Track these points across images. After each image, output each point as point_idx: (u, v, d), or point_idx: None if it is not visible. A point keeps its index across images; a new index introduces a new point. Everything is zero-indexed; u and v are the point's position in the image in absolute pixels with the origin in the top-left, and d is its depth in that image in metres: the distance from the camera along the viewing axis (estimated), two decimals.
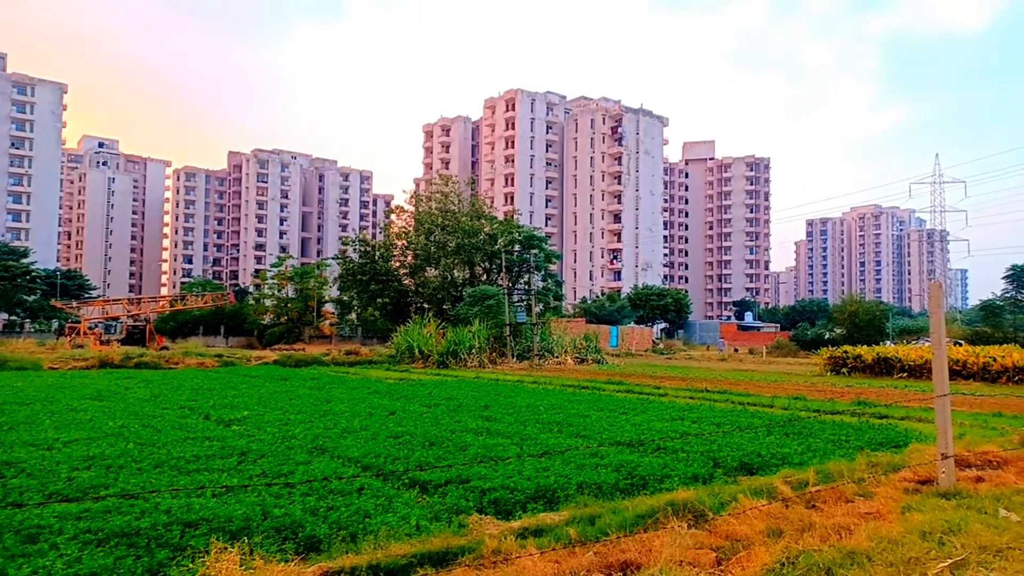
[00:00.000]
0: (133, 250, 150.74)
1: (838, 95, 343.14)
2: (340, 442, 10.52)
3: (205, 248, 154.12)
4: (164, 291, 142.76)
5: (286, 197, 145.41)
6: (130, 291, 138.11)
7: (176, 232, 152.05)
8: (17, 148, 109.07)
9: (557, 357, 38.56)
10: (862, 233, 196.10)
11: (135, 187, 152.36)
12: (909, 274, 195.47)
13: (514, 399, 17.32)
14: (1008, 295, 61.33)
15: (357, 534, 5.99)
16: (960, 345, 36.15)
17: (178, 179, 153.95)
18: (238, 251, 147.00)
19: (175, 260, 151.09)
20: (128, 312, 56.56)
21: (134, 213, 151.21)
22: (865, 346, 34.10)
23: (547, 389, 21.23)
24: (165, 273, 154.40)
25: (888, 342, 52.63)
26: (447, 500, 7.17)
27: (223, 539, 5.53)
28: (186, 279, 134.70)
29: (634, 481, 7.99)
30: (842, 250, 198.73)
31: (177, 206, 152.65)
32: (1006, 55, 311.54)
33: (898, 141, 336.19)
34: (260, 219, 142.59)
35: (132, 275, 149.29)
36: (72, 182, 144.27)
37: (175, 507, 6.49)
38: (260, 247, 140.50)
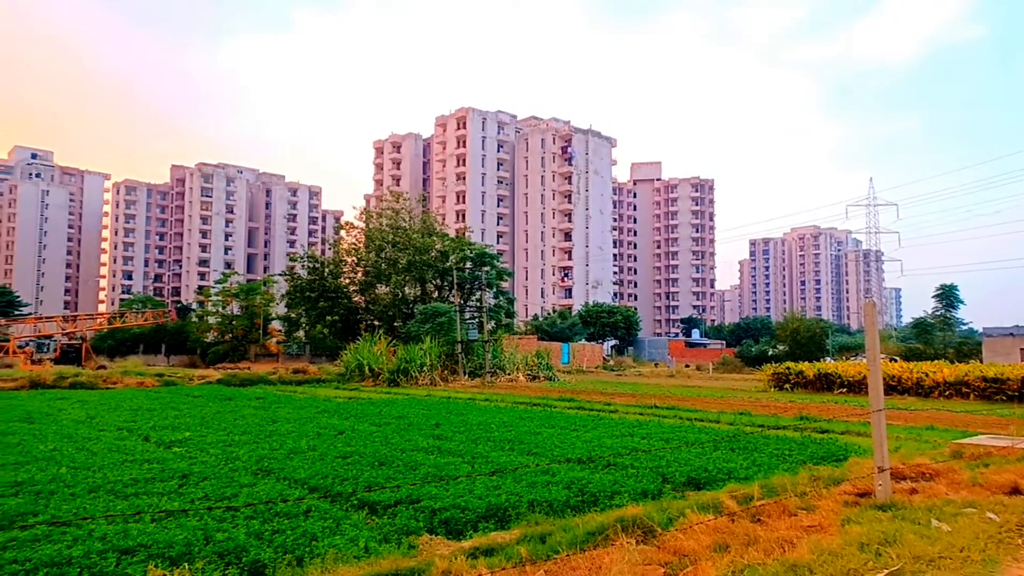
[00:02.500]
0: (69, 266, 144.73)
1: (780, 119, 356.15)
2: (286, 463, 10.28)
3: (146, 264, 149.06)
4: (102, 308, 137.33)
5: (232, 212, 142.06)
6: (65, 308, 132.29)
7: (115, 247, 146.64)
8: None
9: (509, 374, 38.56)
10: (802, 253, 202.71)
11: (71, 200, 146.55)
12: (847, 292, 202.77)
13: (466, 417, 17.24)
14: (938, 313, 64.20)
15: (303, 558, 5.86)
16: (895, 361, 37.63)
17: (118, 193, 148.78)
18: (181, 267, 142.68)
19: (114, 276, 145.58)
20: (63, 330, 54.24)
21: (70, 227, 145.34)
22: (807, 362, 35.15)
23: (499, 407, 21.19)
24: (103, 290, 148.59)
25: (828, 358, 54.40)
26: (397, 521, 7.08)
27: (162, 566, 5.34)
28: (126, 296, 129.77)
29: (585, 498, 8.04)
30: (784, 269, 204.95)
31: (117, 220, 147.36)
32: (933, 84, 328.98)
33: (835, 165, 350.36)
34: (204, 234, 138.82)
35: (68, 292, 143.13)
36: (1, 194, 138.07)
37: (111, 533, 6.24)
38: (204, 263, 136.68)
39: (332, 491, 8.42)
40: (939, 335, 59.81)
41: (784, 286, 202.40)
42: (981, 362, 36.17)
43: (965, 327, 75.46)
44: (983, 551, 5.35)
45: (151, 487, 8.53)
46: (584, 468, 9.84)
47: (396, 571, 5.29)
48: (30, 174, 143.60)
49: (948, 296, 63.96)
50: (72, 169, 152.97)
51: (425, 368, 35.59)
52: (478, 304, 49.98)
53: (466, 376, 37.49)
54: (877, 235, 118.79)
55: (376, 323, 54.34)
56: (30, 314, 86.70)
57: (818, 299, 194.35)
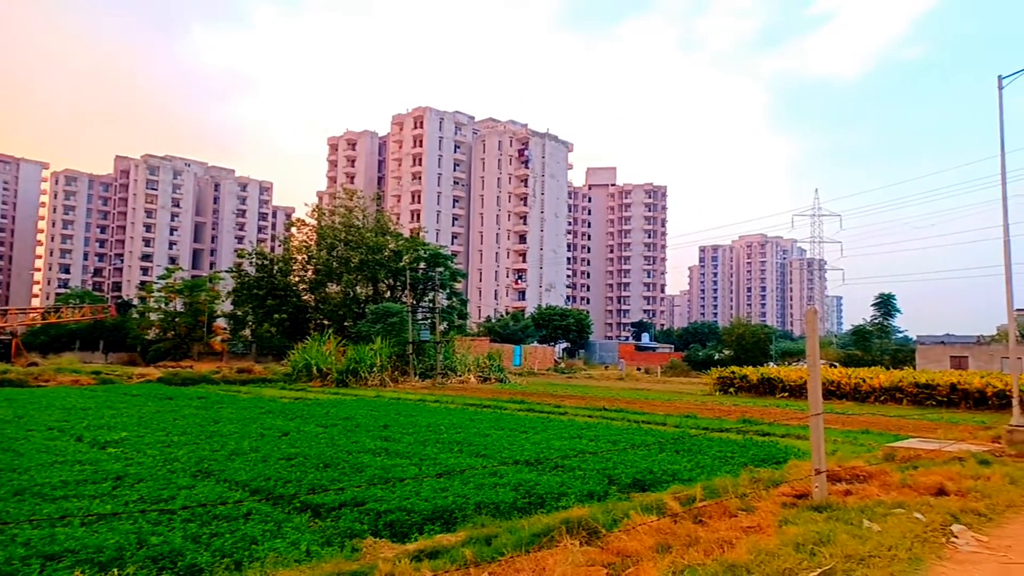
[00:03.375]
0: (1, 257, 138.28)
1: (732, 128, 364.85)
2: (227, 465, 10.03)
3: (85, 257, 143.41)
4: (36, 302, 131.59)
5: (178, 206, 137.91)
6: None
7: (52, 239, 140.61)
8: None
9: (460, 376, 38.45)
10: (749, 260, 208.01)
11: (5, 189, 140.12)
12: (791, 299, 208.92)
13: (415, 418, 17.11)
14: (877, 321, 66.62)
15: (242, 561, 5.72)
16: (835, 367, 38.89)
17: (56, 183, 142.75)
18: (122, 261, 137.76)
19: (50, 269, 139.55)
20: None
21: (3, 217, 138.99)
22: (751, 367, 36.04)
23: (449, 408, 21.11)
24: (38, 283, 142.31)
25: (772, 363, 55.90)
26: (340, 524, 6.97)
27: (90, 572, 5.14)
28: (62, 290, 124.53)
29: (532, 500, 8.07)
30: (731, 276, 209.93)
31: (55, 211, 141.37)
32: (878, 101, 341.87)
33: (784, 174, 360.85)
34: (148, 228, 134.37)
35: None
36: None
37: (36, 538, 5.97)
38: (147, 258, 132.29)
39: (274, 493, 8.24)
40: (876, 342, 62.08)
41: (731, 292, 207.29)
42: (914, 369, 37.73)
43: (901, 335, 78.56)
44: (909, 550, 5.57)
45: (82, 489, 8.21)
46: (532, 470, 9.87)
47: (338, 574, 5.21)
48: None
49: (886, 305, 66.47)
50: (7, 156, 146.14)
51: (375, 369, 35.21)
52: (431, 305, 49.73)
53: (417, 377, 37.23)
54: (821, 244, 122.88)
55: (326, 322, 53.48)
56: None
57: (763, 305, 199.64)
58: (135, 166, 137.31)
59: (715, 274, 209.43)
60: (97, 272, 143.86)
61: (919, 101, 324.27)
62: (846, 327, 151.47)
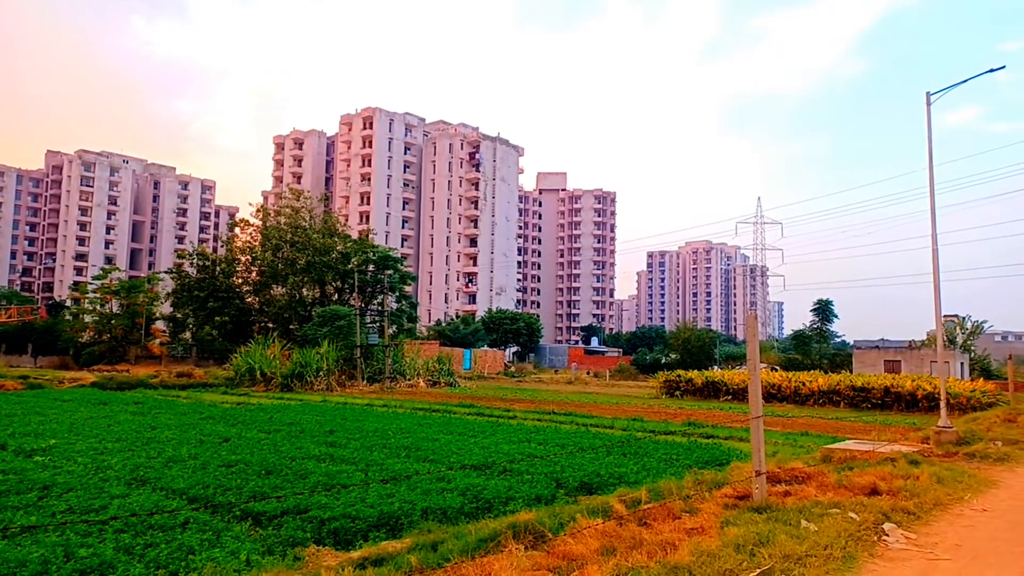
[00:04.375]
0: None
1: (679, 137, 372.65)
2: (164, 472, 9.69)
3: (13, 256, 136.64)
4: None
5: (115, 204, 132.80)
6: None
7: None
8: None
9: (409, 380, 38.10)
10: (695, 266, 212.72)
11: None
12: (735, 305, 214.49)
13: (362, 424, 16.86)
14: (815, 326, 68.89)
15: (178, 573, 5.54)
16: (776, 371, 40.03)
17: None
18: (54, 261, 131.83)
19: None
20: None
21: None
22: (696, 371, 36.79)
23: (397, 413, 20.89)
24: None
25: (716, 367, 57.19)
26: (283, 532, 6.81)
27: None
28: None
29: (479, 504, 8.04)
30: (678, 281, 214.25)
31: None
32: (819, 116, 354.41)
33: (728, 183, 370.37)
34: (83, 227, 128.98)
35: None
36: None
37: None
38: (82, 257, 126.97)
39: (214, 501, 8.00)
40: (816, 347, 64.18)
41: (678, 297, 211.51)
42: (851, 372, 39.15)
43: (839, 339, 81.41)
44: (844, 548, 5.76)
45: (4, 500, 7.80)
46: (480, 474, 9.84)
47: None
48: None
49: (824, 310, 68.82)
50: None
51: (322, 373, 34.58)
52: (380, 308, 49.17)
53: (365, 381, 36.73)
54: (763, 251, 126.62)
55: (271, 325, 52.27)
56: None
57: (708, 310, 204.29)
58: (68, 162, 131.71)
59: (663, 279, 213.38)
60: (26, 272, 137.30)
61: (860, 113, 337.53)
62: (787, 332, 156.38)
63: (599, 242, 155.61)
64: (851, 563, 5.46)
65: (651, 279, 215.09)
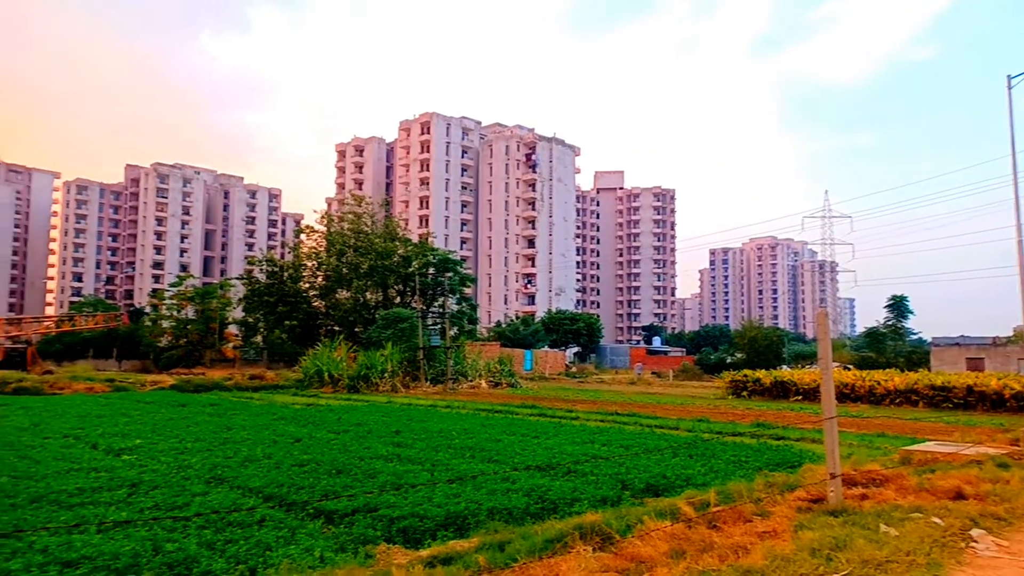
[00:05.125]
0: (15, 267, 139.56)
1: (739, 132, 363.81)
2: (241, 471, 10.06)
3: (98, 266, 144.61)
4: (50, 311, 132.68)
5: (188, 214, 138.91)
6: (10, 311, 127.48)
7: (65, 248, 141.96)
8: None
9: (471, 381, 38.42)
10: (760, 263, 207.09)
11: (18, 199, 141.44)
12: (803, 302, 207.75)
13: (426, 424, 17.11)
14: (890, 323, 66.04)
15: (257, 568, 5.74)
16: (848, 370, 38.59)
17: (68, 192, 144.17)
18: (134, 269, 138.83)
19: (63, 278, 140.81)
20: (7, 333, 52.26)
21: (16, 227, 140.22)
22: (763, 370, 35.81)
23: (460, 413, 21.10)
24: (52, 292, 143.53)
25: (784, 366, 55.55)
26: (354, 530, 6.98)
27: None
28: (76, 298, 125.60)
29: (545, 505, 8.04)
30: (742, 278, 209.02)
31: (67, 220, 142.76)
32: (888, 101, 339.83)
33: (793, 177, 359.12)
34: (159, 236, 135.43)
35: (13, 293, 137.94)
36: None
37: (53, 546, 6.01)
38: (159, 266, 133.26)
39: (287, 500, 8.26)
40: (890, 344, 61.54)
41: (743, 295, 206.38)
42: (929, 371, 37.37)
43: (915, 337, 77.85)
44: (928, 555, 5.51)
45: (98, 496, 8.26)
46: (544, 475, 9.84)
47: None
48: None
49: (899, 306, 65.91)
50: (19, 167, 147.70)
51: (386, 374, 35.25)
52: (440, 310, 49.81)
53: (428, 383, 37.25)
54: (832, 246, 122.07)
55: (336, 328, 53.66)
56: None
57: (775, 308, 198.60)
58: (145, 174, 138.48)
59: (726, 277, 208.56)
60: (109, 280, 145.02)
61: (931, 101, 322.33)
62: (859, 329, 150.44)
63: (659, 240, 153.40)
64: (936, 570, 5.22)
65: (714, 277, 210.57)
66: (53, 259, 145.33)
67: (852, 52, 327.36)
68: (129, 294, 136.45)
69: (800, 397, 29.60)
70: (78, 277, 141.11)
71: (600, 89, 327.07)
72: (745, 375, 33.47)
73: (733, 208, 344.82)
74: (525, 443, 13.52)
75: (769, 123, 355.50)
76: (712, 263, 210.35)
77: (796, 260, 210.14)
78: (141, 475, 9.67)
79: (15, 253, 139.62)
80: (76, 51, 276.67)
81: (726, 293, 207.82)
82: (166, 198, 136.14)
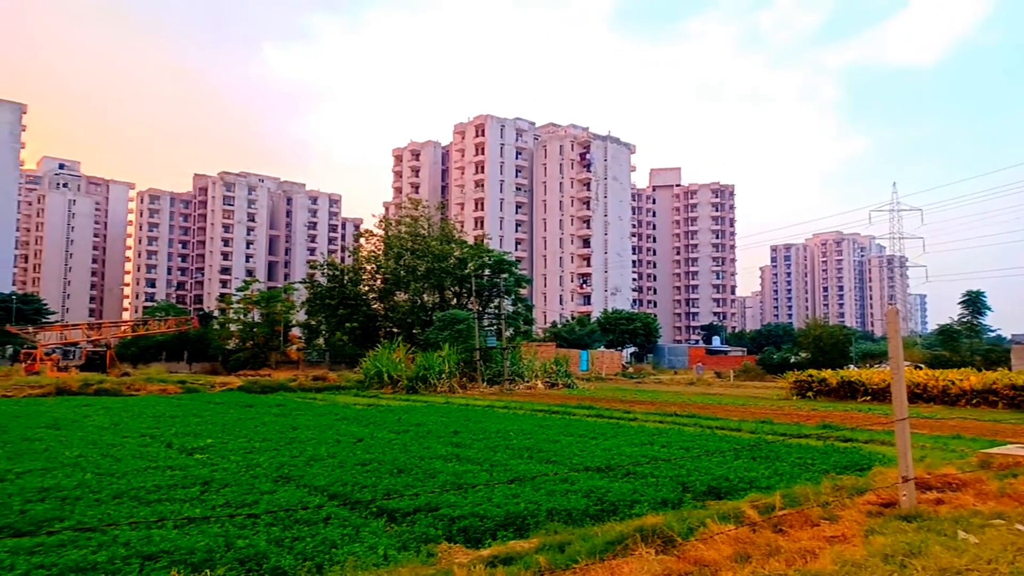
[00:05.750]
0: (94, 274, 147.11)
1: (800, 124, 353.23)
2: (306, 470, 10.34)
3: (169, 272, 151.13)
4: (126, 315, 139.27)
5: (253, 220, 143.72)
6: (90, 316, 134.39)
7: (139, 255, 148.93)
8: None
9: (528, 381, 38.48)
10: (824, 259, 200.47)
11: (97, 209, 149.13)
12: (871, 299, 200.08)
13: (484, 424, 17.23)
14: (964, 320, 63.08)
15: (323, 565, 5.89)
16: (920, 369, 36.98)
17: (142, 202, 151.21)
18: (203, 275, 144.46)
19: (138, 284, 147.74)
20: (88, 337, 55.11)
21: (95, 236, 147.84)
22: (829, 370, 34.67)
23: (517, 414, 21.16)
24: (127, 297, 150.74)
25: (852, 366, 53.63)
26: (416, 529, 7.09)
27: (184, 572, 5.40)
28: (149, 303, 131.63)
29: (604, 507, 7.99)
30: (806, 275, 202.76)
31: (141, 229, 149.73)
32: (957, 89, 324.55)
33: (858, 169, 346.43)
34: (226, 242, 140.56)
35: (92, 299, 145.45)
36: (30, 204, 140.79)
37: (134, 539, 6.31)
38: (226, 271, 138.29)
39: (351, 498, 8.46)
40: (966, 342, 58.73)
41: (806, 292, 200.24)
42: (1010, 370, 35.43)
43: (993, 334, 74.09)
44: (1012, 563, 5.24)
45: (173, 493, 8.63)
46: (603, 477, 9.79)
47: None
48: (57, 184, 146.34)
49: (975, 302, 62.85)
50: (98, 179, 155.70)
51: (444, 375, 35.66)
52: (496, 311, 50.00)
53: (484, 383, 37.48)
54: (901, 240, 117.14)
55: (395, 330, 54.56)
56: (56, 321, 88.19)
57: (841, 306, 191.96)
58: (212, 183, 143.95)
59: (788, 274, 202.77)
60: (180, 286, 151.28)
61: (1003, 87, 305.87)
62: (931, 327, 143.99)
63: (718, 237, 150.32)
64: None
65: (776, 274, 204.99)
66: (129, 266, 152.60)
67: (919, 38, 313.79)
68: (199, 299, 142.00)
69: (868, 398, 28.52)
70: (151, 283, 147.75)
71: (656, 85, 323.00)
72: (810, 375, 32.47)
73: (795, 203, 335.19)
74: (583, 444, 13.46)
75: (833, 114, 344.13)
76: (774, 260, 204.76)
77: (863, 255, 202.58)
78: (213, 473, 10.05)
79: (95, 261, 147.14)
80: (147, 69, 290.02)
81: (789, 291, 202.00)
82: (232, 206, 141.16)
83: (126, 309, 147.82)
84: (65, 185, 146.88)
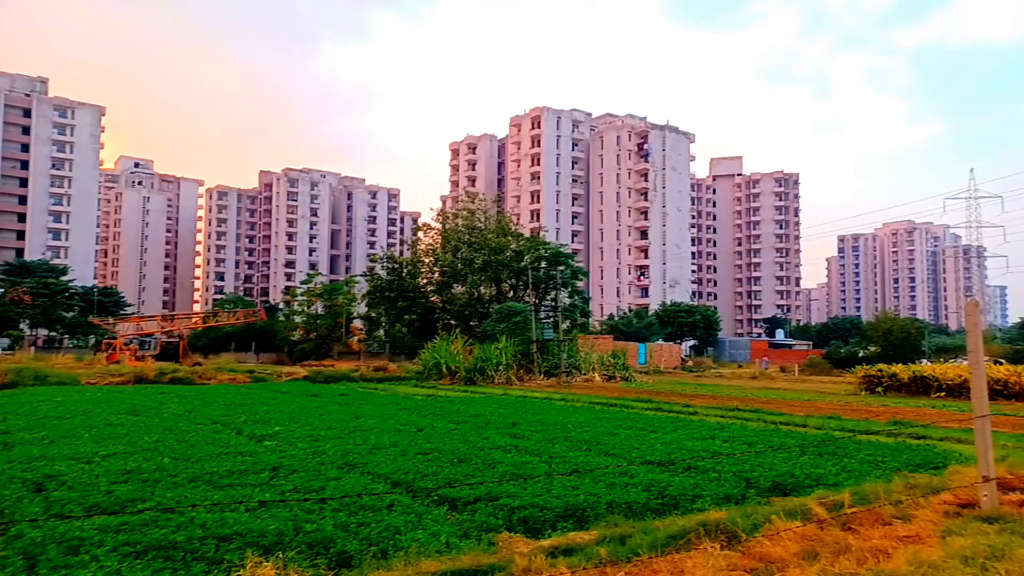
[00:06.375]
0: (167, 267, 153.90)
1: (868, 110, 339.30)
2: (370, 458, 10.58)
3: (236, 265, 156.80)
4: (197, 307, 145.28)
5: (315, 215, 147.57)
6: (164, 308, 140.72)
7: (209, 250, 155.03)
8: (57, 169, 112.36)
9: (584, 374, 38.35)
10: (895, 249, 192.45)
11: (169, 206, 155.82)
12: (945, 291, 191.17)
13: (542, 416, 17.26)
14: None
15: (388, 550, 6.02)
16: (1000, 364, 35.16)
17: (211, 198, 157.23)
18: (268, 268, 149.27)
19: (208, 277, 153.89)
20: (162, 328, 57.64)
21: (168, 231, 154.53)
22: (901, 364, 33.38)
23: (575, 406, 21.13)
24: (198, 290, 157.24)
25: (924, 360, 51.42)
26: (476, 517, 7.17)
27: (257, 553, 5.60)
28: (218, 296, 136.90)
29: (665, 501, 7.91)
30: (875, 266, 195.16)
31: (210, 224, 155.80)
32: None
33: (930, 156, 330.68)
34: (290, 237, 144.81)
35: (166, 292, 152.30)
36: (108, 201, 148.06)
37: (210, 521, 6.59)
38: (290, 264, 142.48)
39: (413, 486, 8.61)
40: None
41: (876, 284, 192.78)
42: None
43: None
44: None
45: (245, 478, 8.96)
46: (663, 470, 9.68)
47: (477, 567, 5.37)
48: (133, 182, 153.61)
49: None
50: (170, 176, 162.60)
51: (501, 367, 35.87)
52: (553, 303, 49.94)
53: (541, 375, 37.53)
54: (979, 229, 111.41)
55: (453, 322, 55.15)
56: (133, 313, 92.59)
57: (913, 298, 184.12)
58: (277, 179, 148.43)
59: (856, 265, 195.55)
60: (247, 279, 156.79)
61: None
62: (1012, 319, 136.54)
63: (781, 228, 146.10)
64: None
65: (843, 265, 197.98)
66: (199, 260, 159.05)
67: (998, 12, 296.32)
68: (264, 291, 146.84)
69: (943, 394, 27.30)
70: (220, 276, 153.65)
71: (715, 72, 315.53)
72: (880, 370, 31.31)
73: (863, 192, 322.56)
74: (642, 437, 13.34)
75: (904, 97, 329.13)
76: (841, 251, 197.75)
77: (937, 245, 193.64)
78: (281, 460, 10.39)
79: (167, 255, 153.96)
80: (216, 70, 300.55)
81: (856, 282, 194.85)
82: (296, 201, 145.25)
83: (197, 301, 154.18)
84: (140, 183, 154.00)
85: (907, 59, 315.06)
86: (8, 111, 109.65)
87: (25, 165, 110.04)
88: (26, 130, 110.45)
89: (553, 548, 5.86)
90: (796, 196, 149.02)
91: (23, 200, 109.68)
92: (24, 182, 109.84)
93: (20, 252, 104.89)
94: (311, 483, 8.70)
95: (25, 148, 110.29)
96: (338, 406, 20.07)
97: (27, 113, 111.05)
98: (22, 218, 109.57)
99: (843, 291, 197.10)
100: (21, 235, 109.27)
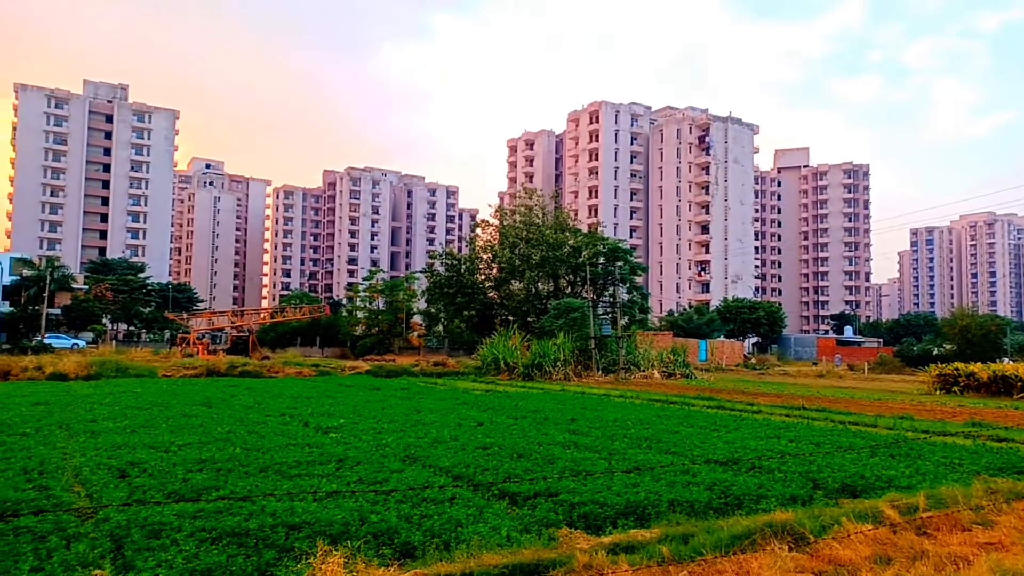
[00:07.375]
0: (236, 264, 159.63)
1: (943, 97, 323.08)
2: (431, 451, 10.76)
3: (302, 262, 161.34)
4: (265, 303, 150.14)
5: (377, 213, 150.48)
6: (234, 303, 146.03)
7: (276, 247, 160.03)
8: (136, 171, 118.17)
9: (643, 371, 37.91)
10: (973, 243, 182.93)
11: (238, 205, 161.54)
12: None
13: (601, 413, 17.18)
14: None
15: (450, 542, 6.13)
16: None
17: (277, 197, 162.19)
18: (332, 265, 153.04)
19: (275, 274, 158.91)
20: (232, 323, 59.83)
21: (237, 230, 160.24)
22: (979, 363, 31.78)
23: (634, 403, 20.94)
24: (266, 287, 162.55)
25: (1006, 359, 48.82)
26: (536, 513, 7.21)
27: (325, 542, 5.79)
28: (285, 292, 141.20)
29: (728, 500, 7.79)
30: (951, 261, 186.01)
31: (276, 223, 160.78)
32: None
33: (1012, 144, 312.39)
34: (352, 234, 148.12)
35: (235, 288, 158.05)
36: (182, 201, 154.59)
37: (279, 510, 6.84)
38: (352, 261, 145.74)
39: (474, 480, 8.72)
40: None
41: (951, 279, 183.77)
42: None
43: None
44: None
45: (312, 469, 9.25)
46: (726, 470, 9.51)
47: (538, 561, 5.41)
48: (205, 183, 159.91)
49: None
50: (239, 177, 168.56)
51: (559, 363, 35.80)
52: (611, 299, 49.49)
53: (599, 372, 37.29)
54: None
55: (510, 318, 55.35)
56: (205, 309, 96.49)
57: (992, 293, 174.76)
58: (340, 178, 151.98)
59: (930, 259, 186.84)
60: (311, 275, 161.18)
61: None
62: None
63: (850, 221, 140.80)
64: None
65: (916, 260, 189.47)
66: (267, 257, 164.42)
67: None
68: (328, 288, 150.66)
69: None
70: (287, 273, 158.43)
71: (780, 63, 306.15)
72: (956, 368, 29.89)
73: (938, 183, 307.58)
74: (704, 436, 13.14)
75: (981, 83, 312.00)
76: (914, 244, 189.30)
77: (1020, 238, 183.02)
78: (346, 452, 10.68)
79: (236, 252, 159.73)
80: (282, 73, 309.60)
81: (931, 277, 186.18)
82: (358, 199, 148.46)
83: (264, 297, 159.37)
84: (211, 183, 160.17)
85: (985, 42, 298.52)
86: (92, 117, 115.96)
87: (107, 168, 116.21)
88: (108, 135, 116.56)
89: (614, 545, 5.85)
90: (866, 188, 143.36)
91: (105, 201, 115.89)
92: (106, 184, 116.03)
93: (103, 250, 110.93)
94: (375, 475, 8.91)
95: (107, 152, 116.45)
96: (399, 400, 20.44)
97: (109, 119, 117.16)
98: (104, 218, 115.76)
99: (916, 286, 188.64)
100: (103, 234, 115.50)
